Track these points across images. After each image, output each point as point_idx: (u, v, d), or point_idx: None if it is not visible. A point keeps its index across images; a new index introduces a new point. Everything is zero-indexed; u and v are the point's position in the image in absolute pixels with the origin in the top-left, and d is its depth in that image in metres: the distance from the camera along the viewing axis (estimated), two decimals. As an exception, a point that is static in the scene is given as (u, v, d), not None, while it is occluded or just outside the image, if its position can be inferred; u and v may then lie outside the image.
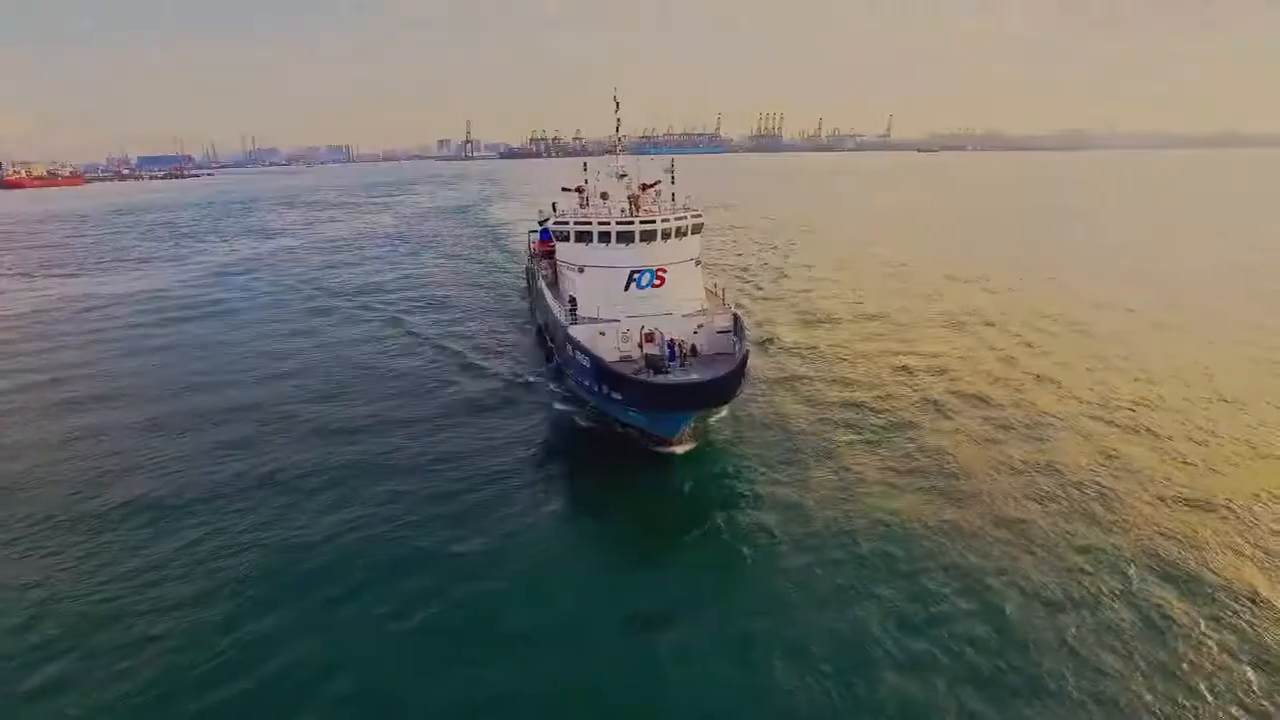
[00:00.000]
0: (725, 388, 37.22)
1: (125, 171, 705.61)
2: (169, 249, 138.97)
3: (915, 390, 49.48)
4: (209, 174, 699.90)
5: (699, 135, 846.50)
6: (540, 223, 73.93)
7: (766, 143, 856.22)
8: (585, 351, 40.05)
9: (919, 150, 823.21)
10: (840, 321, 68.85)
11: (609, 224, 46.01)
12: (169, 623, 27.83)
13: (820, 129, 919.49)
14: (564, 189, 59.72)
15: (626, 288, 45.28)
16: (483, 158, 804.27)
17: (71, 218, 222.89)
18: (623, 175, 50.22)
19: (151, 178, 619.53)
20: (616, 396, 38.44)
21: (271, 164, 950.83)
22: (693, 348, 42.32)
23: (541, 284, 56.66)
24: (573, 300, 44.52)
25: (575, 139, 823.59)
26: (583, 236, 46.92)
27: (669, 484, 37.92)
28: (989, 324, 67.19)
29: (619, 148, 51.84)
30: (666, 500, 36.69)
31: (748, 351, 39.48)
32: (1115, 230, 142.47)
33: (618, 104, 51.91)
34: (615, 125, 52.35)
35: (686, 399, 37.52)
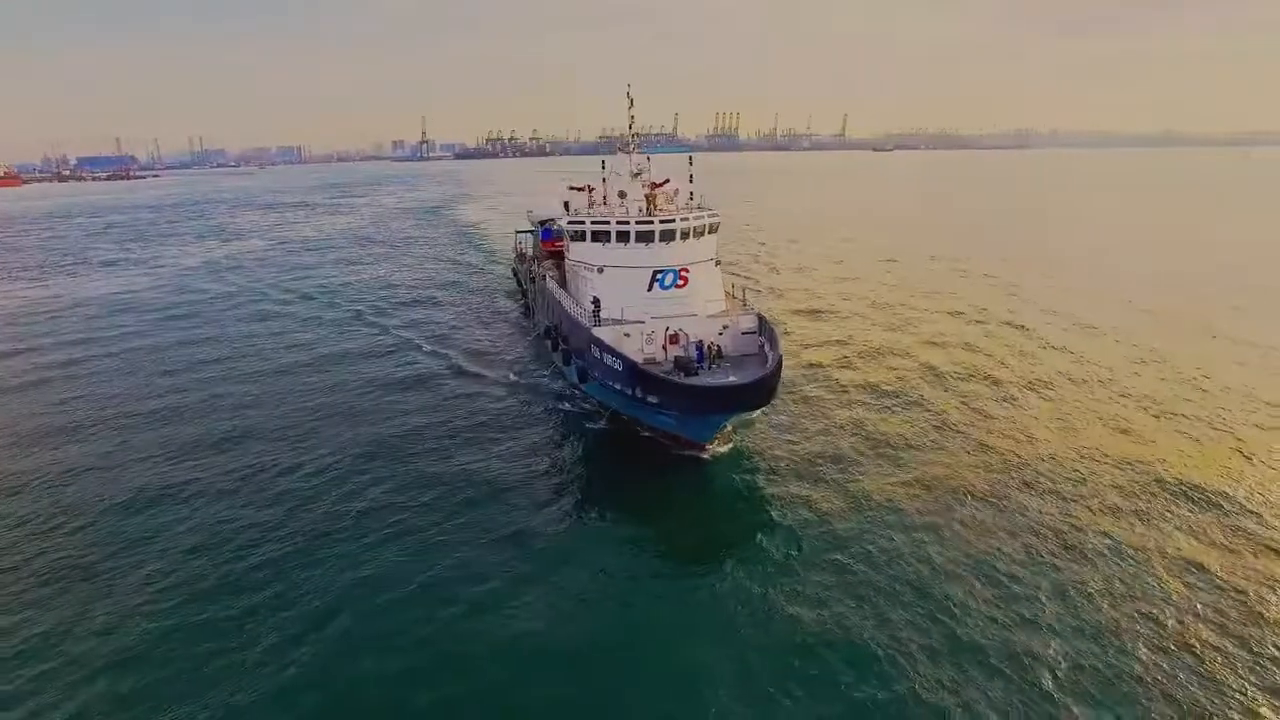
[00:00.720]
0: (766, 389, 36.75)
1: (65, 172, 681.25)
2: (152, 252, 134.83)
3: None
4: (155, 175, 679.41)
5: (657, 135, 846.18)
6: (541, 222, 73.31)
7: (723, 142, 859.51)
8: (616, 354, 39.41)
9: (874, 149, 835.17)
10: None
11: (628, 223, 45.55)
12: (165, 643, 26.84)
13: (776, 128, 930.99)
14: (572, 187, 59.09)
15: (650, 288, 44.71)
16: (438, 158, 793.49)
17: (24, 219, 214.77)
18: (638, 173, 49.60)
19: (94, 178, 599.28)
20: (653, 400, 37.80)
21: (220, 165, 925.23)
22: (717, 349, 42.21)
23: (550, 284, 56.00)
24: (596, 301, 43.72)
25: (532, 139, 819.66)
26: (600, 236, 46.48)
27: (705, 489, 37.56)
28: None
29: (633, 146, 51.12)
30: (703, 506, 36.28)
31: (781, 354, 39.03)
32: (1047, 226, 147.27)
33: (631, 100, 51.37)
34: (629, 122, 51.60)
35: (728, 401, 37.14)
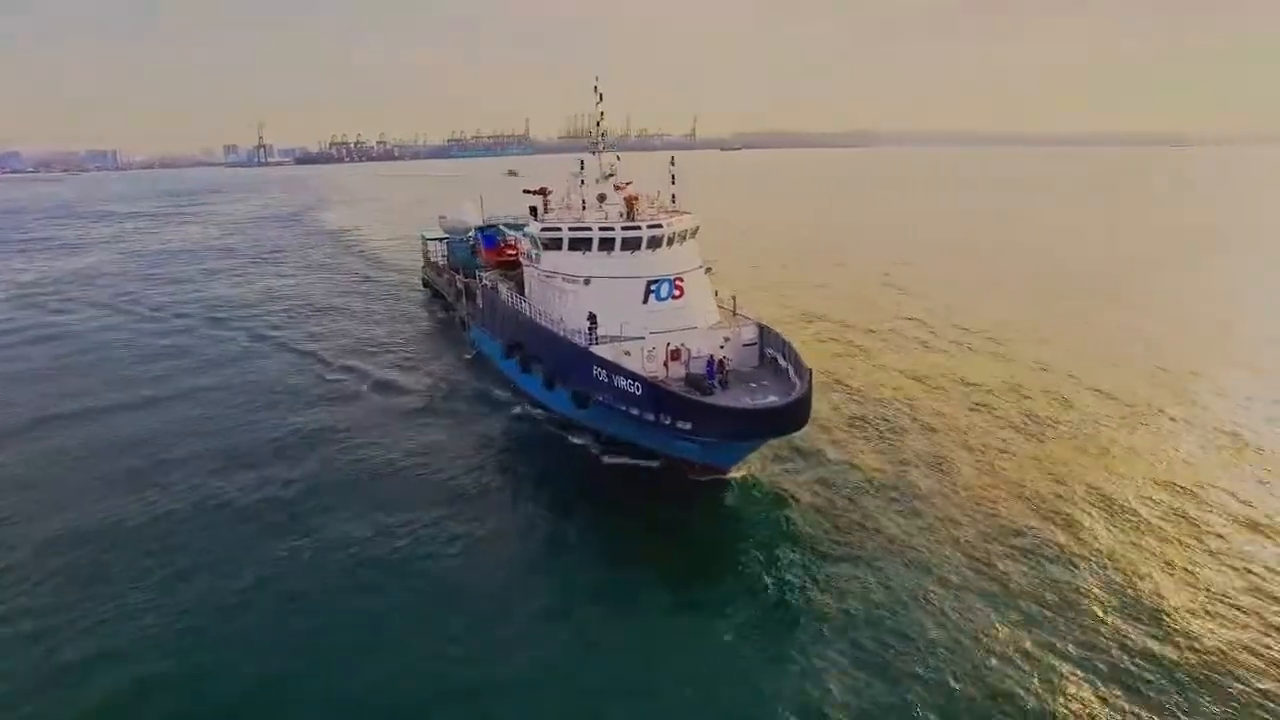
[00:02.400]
0: (806, 409, 34.62)
1: None
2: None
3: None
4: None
5: (509, 137, 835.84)
6: (480, 228, 69.13)
7: (576, 144, 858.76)
8: (631, 375, 36.21)
9: (721, 149, 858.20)
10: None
11: (613, 229, 42.54)
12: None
13: (628, 129, 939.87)
14: (526, 191, 55.64)
15: (645, 300, 41.77)
16: (278, 164, 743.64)
17: None
18: (610, 175, 47.04)
19: None
20: (683, 426, 34.60)
21: (14, 171, 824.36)
22: (720, 363, 39.63)
23: (504, 296, 52.38)
24: (593, 318, 40.15)
25: (379, 143, 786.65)
26: (579, 244, 43.42)
27: (727, 517, 35.15)
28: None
29: (600, 145, 48.34)
30: (728, 536, 33.96)
31: (811, 369, 36.70)
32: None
33: (600, 95, 47.72)
34: (597, 119, 48.08)
35: (772, 425, 34.85)
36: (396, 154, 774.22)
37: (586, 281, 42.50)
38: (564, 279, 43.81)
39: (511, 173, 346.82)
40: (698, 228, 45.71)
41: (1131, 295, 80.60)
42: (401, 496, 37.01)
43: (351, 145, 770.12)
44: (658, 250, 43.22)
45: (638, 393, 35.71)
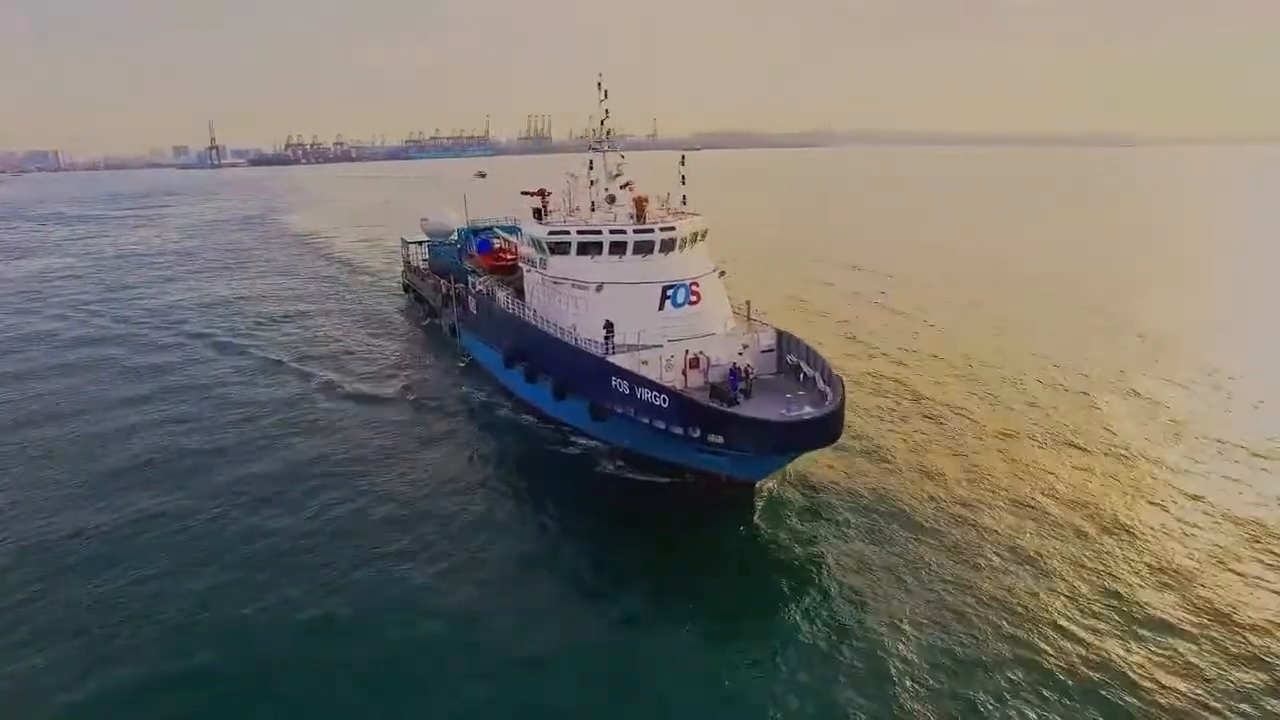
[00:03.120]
0: (841, 421, 33.31)
1: None
2: None
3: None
4: None
5: (468, 138, 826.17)
6: (475, 231, 67.15)
7: (537, 144, 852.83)
8: (657, 387, 34.51)
9: (684, 150, 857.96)
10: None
11: (624, 232, 41.09)
12: None
13: (589, 130, 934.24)
14: (525, 192, 53.79)
15: (661, 306, 40.14)
16: (231, 165, 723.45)
17: None
18: (616, 175, 45.48)
19: None
20: (714, 439, 33.00)
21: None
22: (745, 371, 38.11)
23: (503, 301, 50.56)
24: (609, 326, 38.63)
25: (336, 144, 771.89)
26: (588, 248, 42.03)
27: (758, 535, 33.63)
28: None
29: (606, 144, 45.79)
30: (760, 556, 32.47)
31: (841, 377, 35.57)
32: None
33: (605, 92, 45.66)
34: (602, 117, 46.10)
35: (811, 437, 33.17)
36: (354, 155, 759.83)
37: (599, 288, 40.95)
38: (574, 285, 42.22)
39: (481, 174, 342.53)
40: (707, 230, 44.44)
41: (1010, 283, 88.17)
42: (408, 522, 35.22)
43: (308, 146, 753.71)
44: (670, 254, 41.96)
45: (664, 405, 34.29)
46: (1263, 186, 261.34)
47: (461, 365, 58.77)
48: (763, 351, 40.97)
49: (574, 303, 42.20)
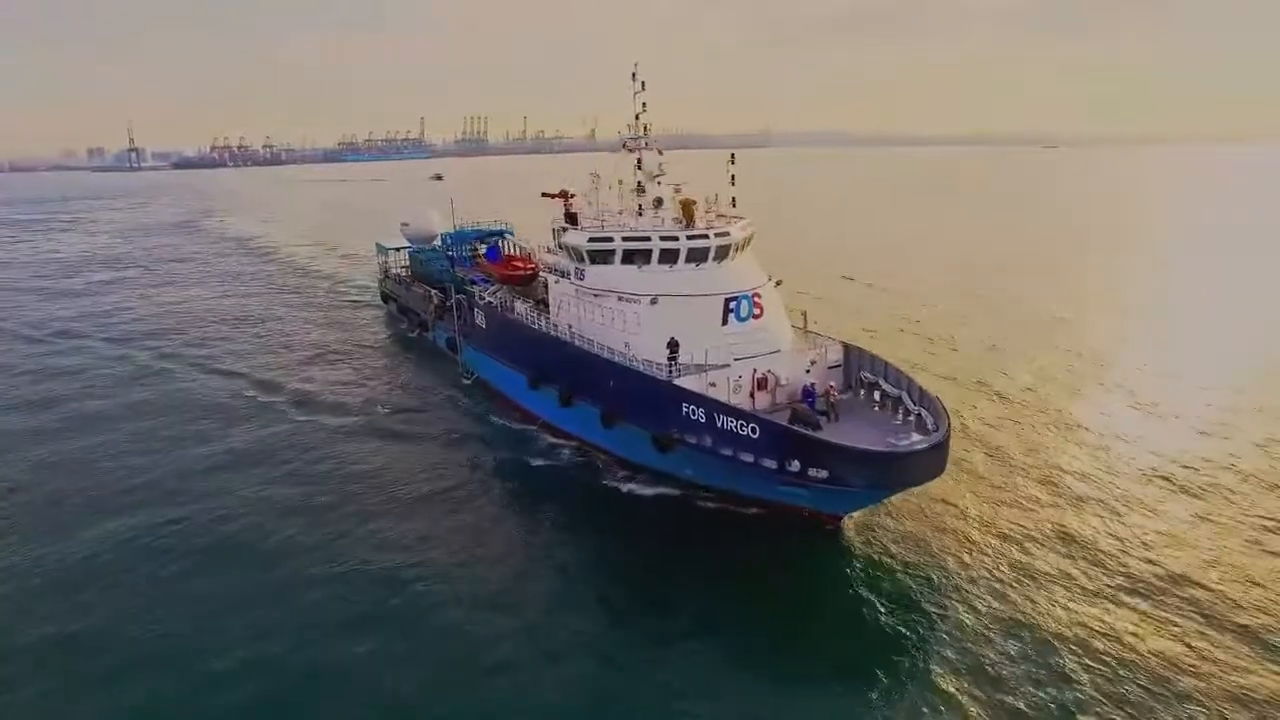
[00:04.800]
0: (948, 449, 30.40)
1: None
2: None
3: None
4: None
5: (403, 141, 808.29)
6: (483, 238, 62.19)
7: (472, 146, 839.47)
8: (749, 416, 30.84)
9: (618, 151, 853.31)
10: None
11: (677, 238, 37.28)
12: None
13: (526, 131, 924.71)
14: (545, 194, 49.24)
15: (725, 321, 36.35)
16: (152, 168, 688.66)
17: None
18: (657, 175, 41.20)
19: None
20: (818, 474, 29.32)
21: None
22: (827, 393, 34.71)
23: (524, 316, 46.11)
24: (674, 344, 34.50)
25: (266, 146, 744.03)
26: (634, 256, 38.06)
27: (849, 578, 30.11)
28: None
29: (644, 141, 41.51)
30: (848, 593, 29.13)
31: (938, 396, 32.91)
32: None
33: (643, 84, 41.17)
34: (637, 111, 41.64)
35: (923, 470, 29.74)
36: (284, 158, 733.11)
37: (653, 301, 36.87)
38: (620, 298, 38.09)
39: (437, 176, 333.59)
40: (753, 235, 40.79)
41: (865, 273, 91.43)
42: (446, 581, 30.83)
43: (235, 149, 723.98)
44: (724, 262, 38.30)
45: (753, 435, 30.45)
46: (1148, 184, 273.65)
47: (466, 383, 54.05)
48: (829, 368, 37.48)
49: (621, 318, 38.01)
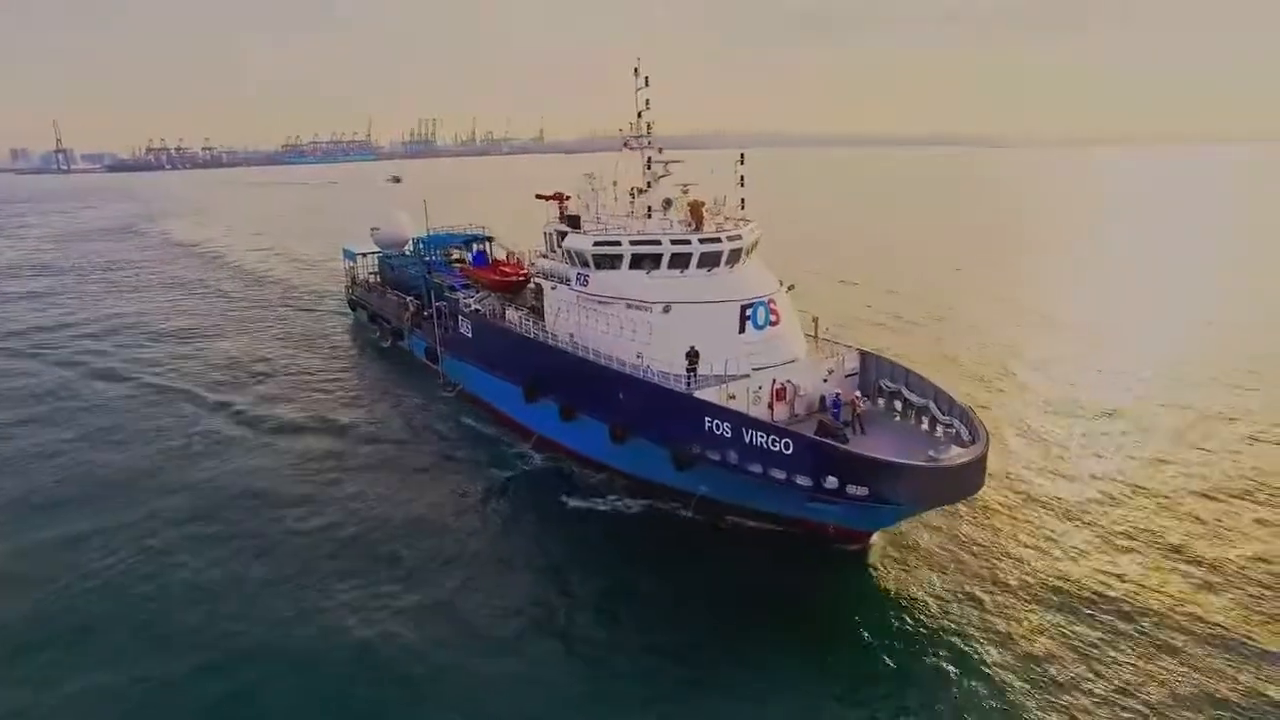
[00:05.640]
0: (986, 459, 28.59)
1: None
2: None
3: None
4: None
5: (350, 142, 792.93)
6: (467, 242, 59.01)
7: (421, 148, 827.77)
8: (774, 430, 28.94)
9: (566, 153, 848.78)
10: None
11: (689, 242, 35.19)
12: None
13: (475, 134, 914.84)
14: (540, 196, 46.69)
15: (742, 329, 34.39)
16: (83, 171, 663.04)
17: None
18: (663, 175, 38.71)
19: None
20: (857, 490, 27.50)
21: None
22: (852, 403, 33.15)
23: (517, 324, 43.69)
24: (694, 354, 32.81)
25: (205, 149, 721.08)
26: (642, 260, 36.02)
27: (882, 598, 28.67)
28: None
29: (648, 139, 39.10)
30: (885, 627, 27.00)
31: (967, 405, 31.22)
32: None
33: (646, 80, 38.68)
34: (640, 108, 39.20)
35: (965, 483, 27.88)
36: (225, 160, 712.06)
37: (666, 309, 34.77)
38: (629, 305, 35.91)
39: (395, 179, 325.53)
40: (760, 238, 38.97)
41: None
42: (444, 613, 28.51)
43: (173, 151, 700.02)
44: (736, 266, 36.46)
45: (786, 451, 28.52)
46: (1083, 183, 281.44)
47: (449, 394, 51.34)
48: (847, 376, 35.85)
49: (630, 326, 35.81)
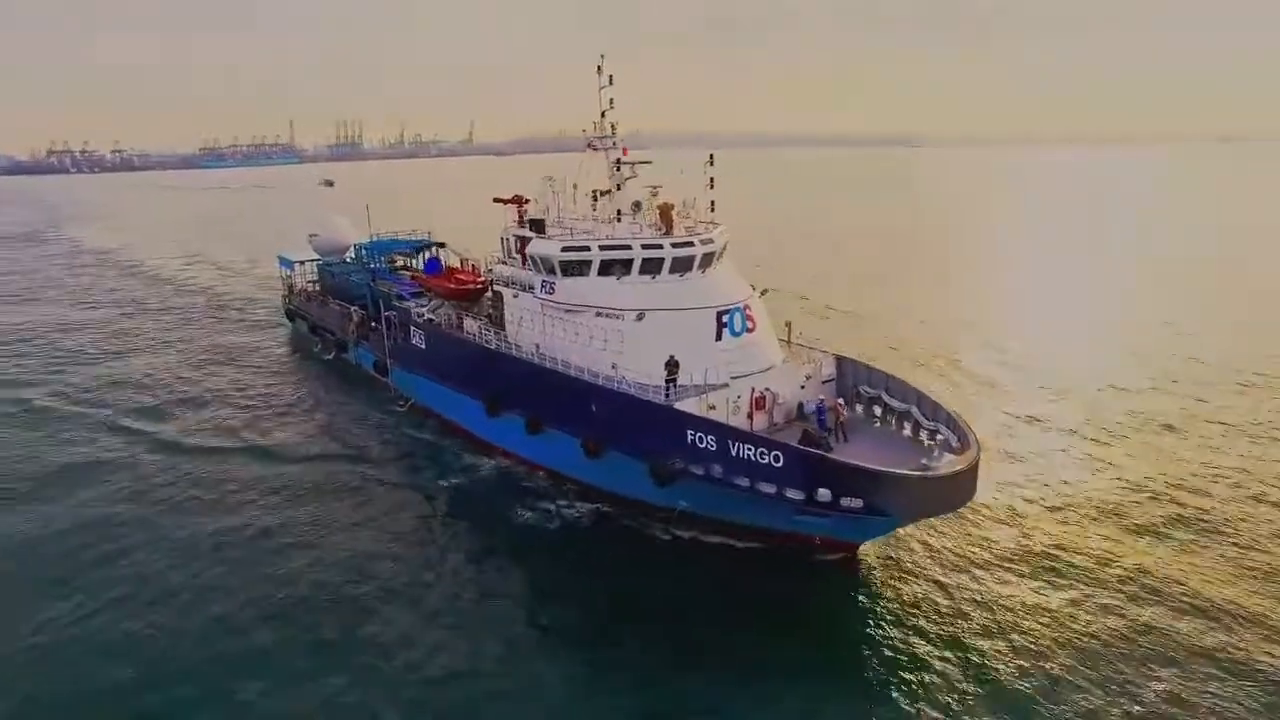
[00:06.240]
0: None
1: None
2: None
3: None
4: None
5: (272, 146, 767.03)
6: (420, 248, 56.32)
7: (346, 151, 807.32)
8: (764, 442, 27.94)
9: (497, 154, 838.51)
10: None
11: (660, 246, 34.01)
12: None
13: (403, 136, 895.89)
14: (498, 200, 44.67)
15: (719, 336, 33.30)
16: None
17: None
18: (632, 176, 37.48)
19: None
20: (852, 502, 26.69)
21: None
22: (835, 409, 32.37)
23: (476, 334, 41.76)
24: (673, 364, 31.33)
25: (115, 152, 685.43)
26: (612, 266, 34.64)
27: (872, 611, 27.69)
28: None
29: (613, 139, 37.78)
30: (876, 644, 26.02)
31: (952, 410, 30.50)
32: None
33: (610, 78, 37.07)
34: (604, 108, 37.90)
35: (960, 492, 27.15)
36: (137, 164, 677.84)
37: (639, 316, 33.48)
38: (599, 313, 34.49)
39: (327, 182, 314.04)
40: (728, 243, 38.00)
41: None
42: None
43: (77, 153, 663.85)
44: (708, 271, 35.50)
45: (776, 464, 27.53)
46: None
47: (400, 408, 49.03)
48: (824, 382, 35.19)
49: (601, 335, 34.36)
